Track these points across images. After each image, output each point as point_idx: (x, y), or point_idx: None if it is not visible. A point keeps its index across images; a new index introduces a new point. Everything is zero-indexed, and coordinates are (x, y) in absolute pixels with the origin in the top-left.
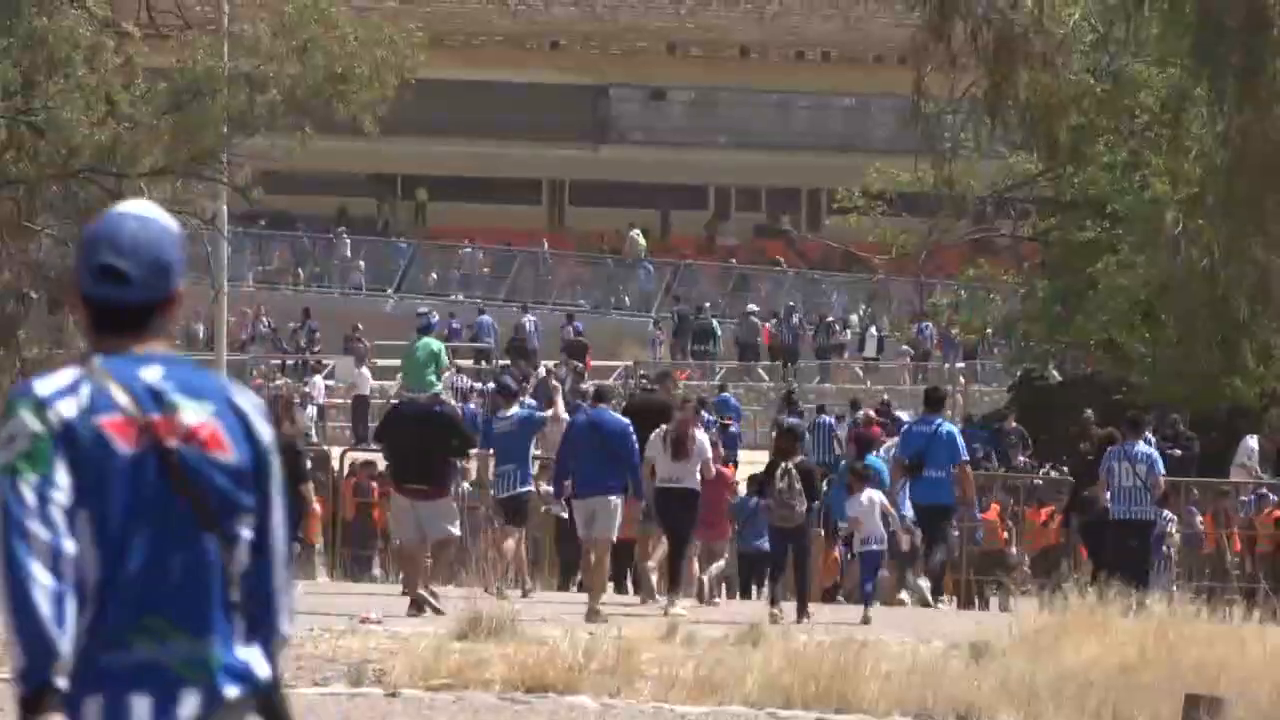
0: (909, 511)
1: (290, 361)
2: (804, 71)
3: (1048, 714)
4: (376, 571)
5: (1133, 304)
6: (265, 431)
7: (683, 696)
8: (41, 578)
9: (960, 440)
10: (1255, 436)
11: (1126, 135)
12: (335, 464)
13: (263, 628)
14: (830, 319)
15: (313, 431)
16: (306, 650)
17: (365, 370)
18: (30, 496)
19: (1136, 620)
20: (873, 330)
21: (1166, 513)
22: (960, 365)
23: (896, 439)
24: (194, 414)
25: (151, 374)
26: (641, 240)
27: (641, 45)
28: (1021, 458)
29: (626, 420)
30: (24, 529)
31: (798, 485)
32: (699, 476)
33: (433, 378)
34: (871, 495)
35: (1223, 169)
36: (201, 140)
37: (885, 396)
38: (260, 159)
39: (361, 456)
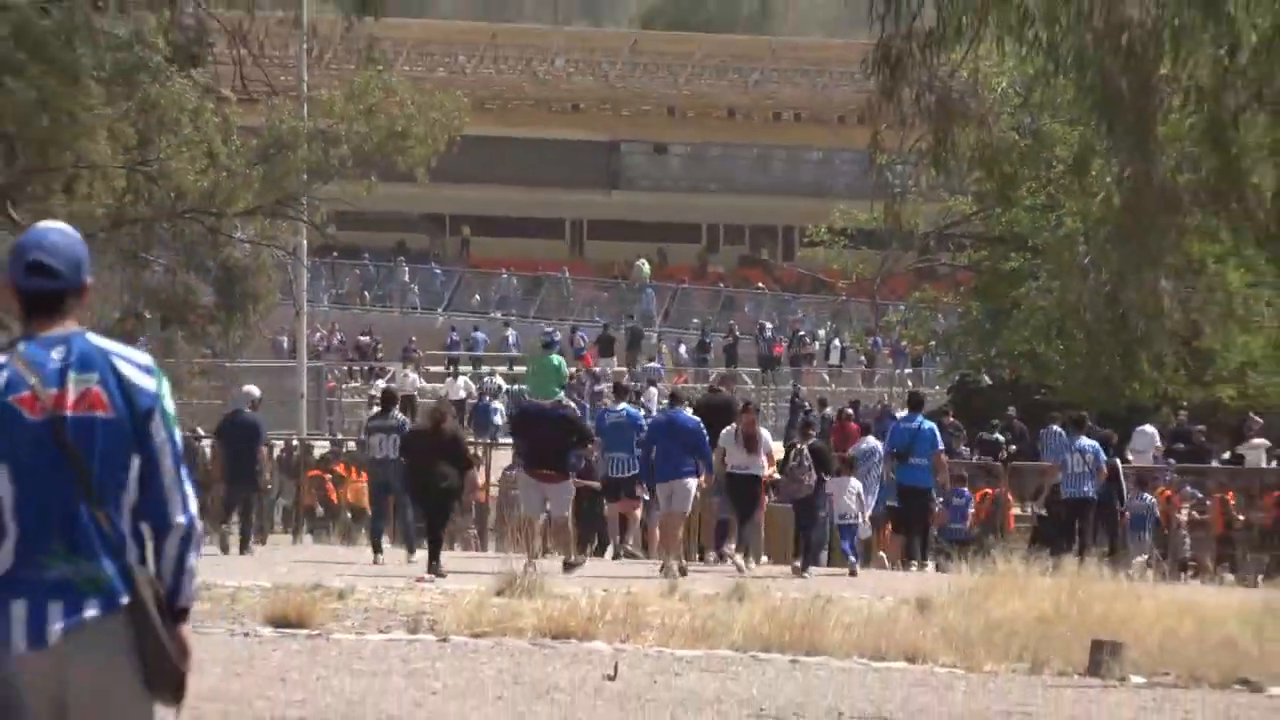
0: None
1: (357, 368)
2: (779, 130)
3: (979, 656)
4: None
5: (1049, 321)
6: (141, 385)
7: (681, 642)
8: None
9: (938, 434)
10: (1151, 426)
11: (1044, 182)
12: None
13: (161, 525)
14: (801, 333)
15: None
16: (373, 604)
17: (416, 374)
18: None
19: (1051, 580)
20: (836, 342)
21: (1146, 495)
22: (908, 371)
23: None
24: (83, 384)
25: (57, 355)
26: (646, 268)
27: (646, 109)
28: (963, 447)
29: (698, 418)
30: None
31: (808, 462)
32: (764, 466)
33: (556, 387)
34: (853, 481)
35: (1120, 209)
36: (285, 186)
37: (853, 398)
38: (333, 201)
39: None
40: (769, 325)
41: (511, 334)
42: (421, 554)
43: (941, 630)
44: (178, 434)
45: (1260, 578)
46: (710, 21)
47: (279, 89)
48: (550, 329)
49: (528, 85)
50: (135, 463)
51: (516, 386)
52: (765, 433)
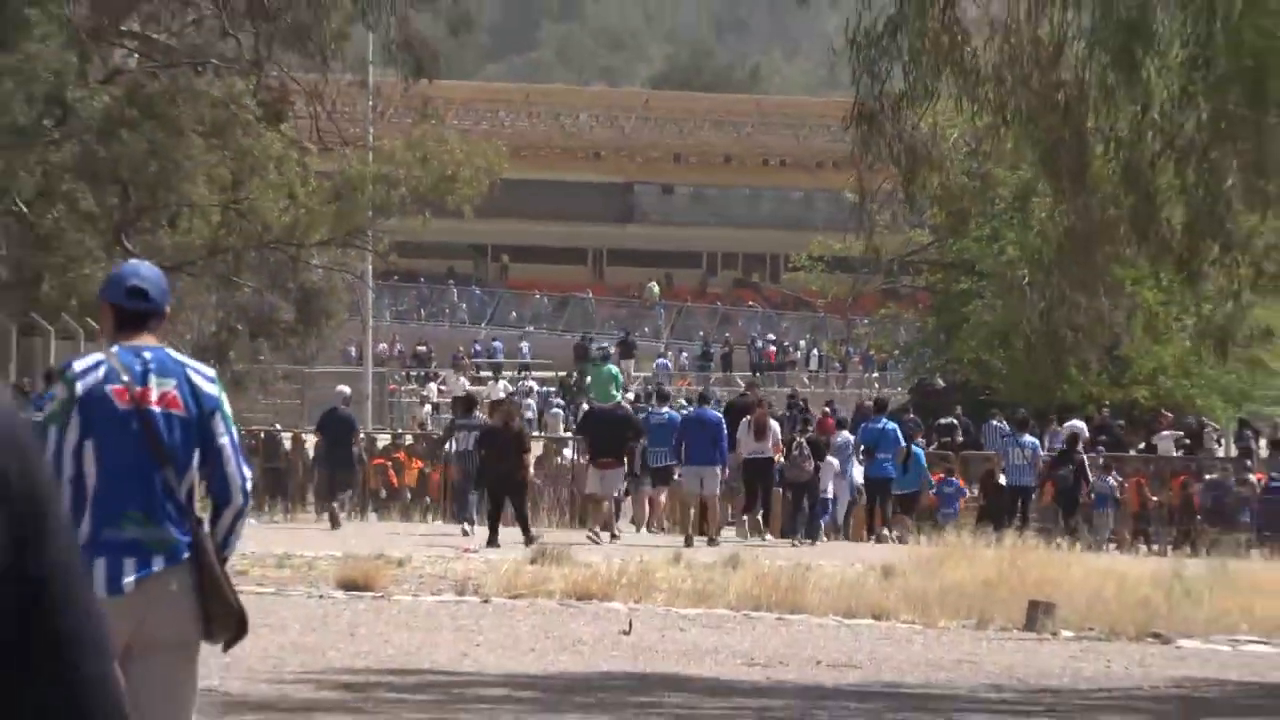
0: (859, 480)
1: (414, 373)
2: (767, 173)
3: (934, 614)
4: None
5: (993, 334)
6: (207, 391)
7: (684, 603)
8: None
9: (900, 432)
10: (1079, 421)
11: (990, 217)
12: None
13: (222, 501)
14: (785, 343)
15: (428, 421)
16: (426, 570)
17: (464, 379)
18: (51, 441)
19: (994, 551)
20: (815, 351)
21: (1110, 479)
22: (875, 375)
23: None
24: (163, 386)
25: (141, 361)
26: (656, 289)
27: (655, 155)
28: (920, 439)
29: (719, 415)
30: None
31: (807, 452)
32: (772, 450)
33: (615, 391)
34: (834, 463)
35: (1055, 240)
36: (354, 221)
37: (829, 398)
38: (394, 233)
39: None
40: (759, 338)
41: (525, 345)
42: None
43: (902, 592)
44: (234, 430)
45: (1169, 548)
46: (710, 83)
47: (348, 140)
48: (604, 344)
49: (556, 136)
50: (197, 453)
51: (544, 388)
52: (774, 424)
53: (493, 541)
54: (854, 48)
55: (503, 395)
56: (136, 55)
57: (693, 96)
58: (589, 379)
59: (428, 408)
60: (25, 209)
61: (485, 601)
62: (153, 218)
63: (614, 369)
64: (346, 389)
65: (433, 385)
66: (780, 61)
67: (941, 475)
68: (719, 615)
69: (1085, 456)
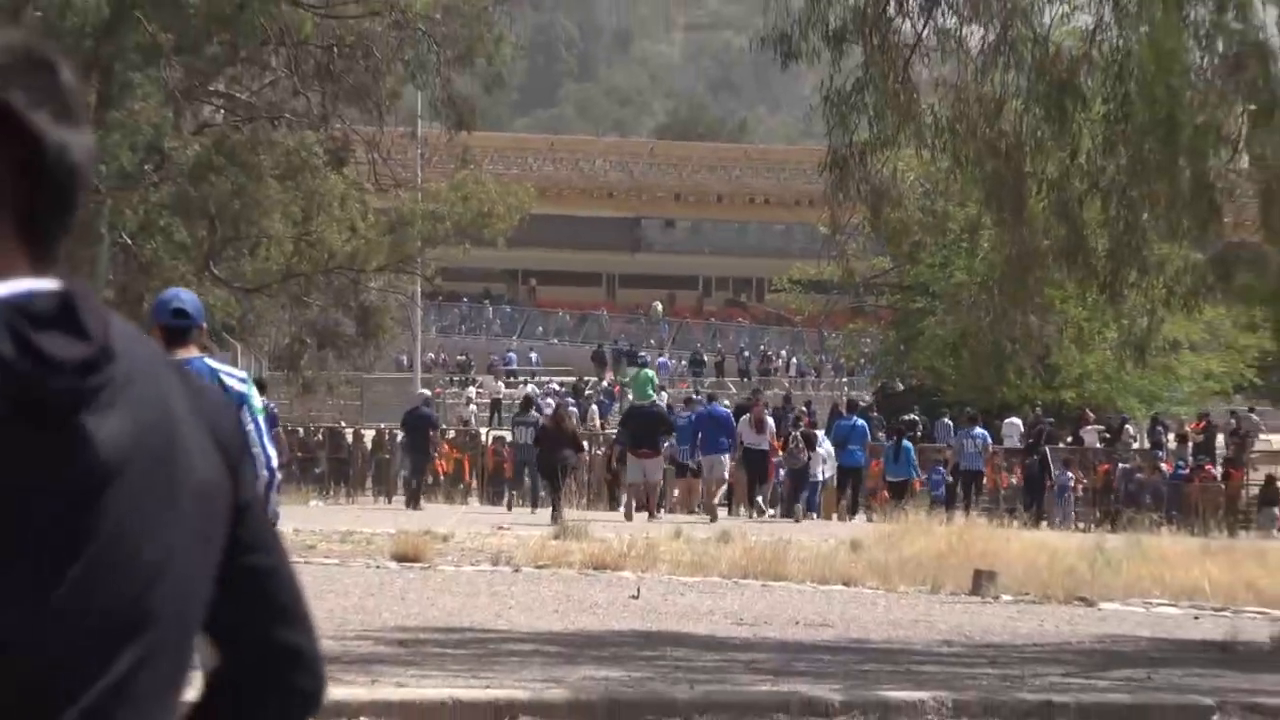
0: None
1: (455, 378)
2: (753, 210)
3: (895, 581)
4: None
5: (944, 345)
6: (236, 388)
7: (684, 572)
8: None
9: (867, 429)
10: (1016, 418)
11: (942, 246)
12: (482, 438)
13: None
14: (769, 353)
15: (473, 420)
16: (466, 544)
17: (500, 383)
18: None
19: (945, 527)
20: (794, 360)
21: (1068, 472)
22: (845, 380)
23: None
24: None
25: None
26: (659, 308)
27: (659, 195)
28: (880, 433)
29: (728, 410)
30: None
31: (801, 444)
32: (768, 442)
33: (651, 392)
34: (820, 452)
35: (997, 266)
36: (405, 250)
37: (806, 399)
38: (439, 260)
39: (495, 433)
40: (746, 349)
41: (534, 355)
42: (541, 511)
43: (868, 563)
44: (260, 419)
45: (1093, 525)
46: (705, 134)
47: (400, 182)
48: (643, 354)
49: (575, 179)
50: None
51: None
52: (771, 421)
53: (556, 518)
54: (827, 104)
55: (532, 395)
56: (222, 111)
57: (690, 145)
58: (630, 381)
59: (472, 407)
60: (130, 241)
61: (516, 571)
62: (236, 248)
63: (651, 373)
64: (427, 392)
65: (470, 389)
66: (764, 115)
67: (931, 465)
68: (713, 582)
69: (1048, 450)
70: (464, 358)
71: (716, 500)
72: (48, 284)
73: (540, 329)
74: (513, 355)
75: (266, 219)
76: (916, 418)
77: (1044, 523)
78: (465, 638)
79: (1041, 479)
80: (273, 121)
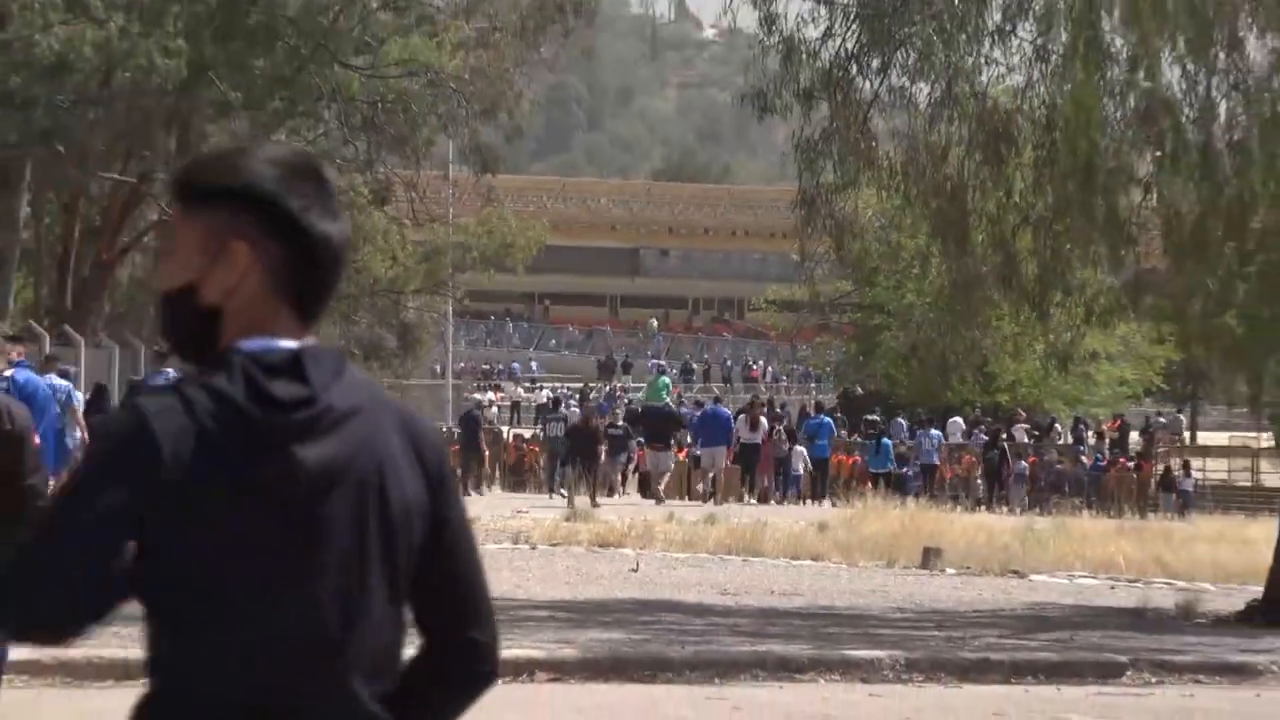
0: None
1: (481, 384)
2: (735, 241)
3: (856, 557)
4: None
5: (897, 356)
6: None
7: (676, 549)
8: None
9: (833, 426)
10: (959, 417)
11: (895, 271)
12: (504, 435)
13: None
14: (750, 363)
15: (495, 421)
16: (490, 525)
17: (520, 389)
18: None
19: (899, 510)
20: (769, 369)
21: (1023, 463)
22: (814, 385)
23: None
24: None
25: None
26: (655, 325)
27: (655, 228)
28: (842, 430)
29: (729, 411)
30: None
31: (784, 438)
32: (760, 439)
33: (665, 395)
34: (799, 449)
35: (944, 289)
36: (439, 275)
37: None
38: (467, 284)
39: (515, 431)
40: (729, 359)
41: (534, 364)
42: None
43: (833, 541)
44: None
45: (1021, 509)
46: (693, 176)
47: (435, 217)
48: (662, 363)
49: (583, 214)
50: None
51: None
52: (764, 420)
53: (594, 503)
54: (797, 151)
55: (546, 398)
56: None
57: (681, 186)
58: (647, 386)
59: (494, 409)
60: None
61: (533, 548)
62: None
63: (667, 380)
64: (479, 396)
65: (490, 394)
66: (744, 161)
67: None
68: (701, 558)
69: (1007, 445)
70: (488, 366)
71: (722, 488)
72: (288, 341)
73: (553, 342)
74: (516, 365)
75: None
76: (877, 418)
77: (1004, 507)
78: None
79: (1000, 469)
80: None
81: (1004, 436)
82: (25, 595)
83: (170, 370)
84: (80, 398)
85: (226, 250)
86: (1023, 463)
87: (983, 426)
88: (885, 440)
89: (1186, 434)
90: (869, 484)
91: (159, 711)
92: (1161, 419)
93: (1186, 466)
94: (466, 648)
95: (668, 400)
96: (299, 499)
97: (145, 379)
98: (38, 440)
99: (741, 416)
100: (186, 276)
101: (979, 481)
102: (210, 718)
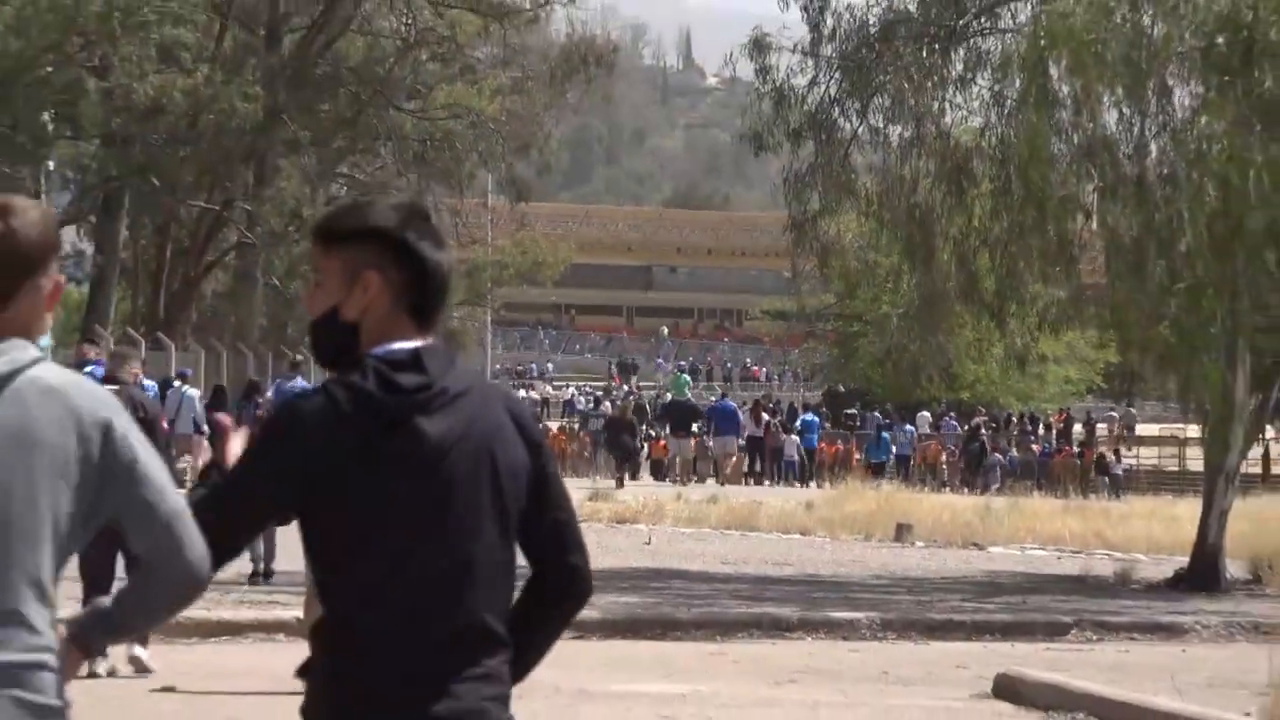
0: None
1: (516, 384)
2: (735, 260)
3: (838, 531)
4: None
5: (874, 359)
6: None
7: (684, 524)
8: None
9: (818, 421)
10: (926, 411)
11: (872, 286)
12: None
13: None
14: (747, 364)
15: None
16: None
17: (549, 386)
18: None
19: (875, 491)
20: (763, 369)
21: (997, 454)
22: (802, 385)
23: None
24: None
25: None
26: (665, 332)
27: (666, 249)
28: (825, 423)
29: (734, 405)
30: None
31: (780, 429)
32: (763, 432)
33: (686, 391)
34: (793, 439)
35: (914, 301)
36: (479, 289)
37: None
38: (503, 297)
39: (544, 424)
40: (728, 361)
41: (550, 365)
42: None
43: (819, 518)
44: None
45: (998, 492)
46: (699, 204)
47: (476, 239)
48: (684, 363)
49: (604, 237)
50: None
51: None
52: (765, 415)
53: (620, 484)
54: (787, 183)
55: (571, 394)
56: (345, 188)
57: (688, 213)
58: (670, 383)
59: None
60: (278, 282)
61: None
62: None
63: (687, 378)
64: (523, 394)
65: (522, 391)
66: (742, 191)
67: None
68: (705, 532)
69: (986, 437)
70: (521, 368)
71: (730, 471)
72: (413, 343)
73: (577, 347)
74: (534, 366)
75: None
76: (855, 412)
77: (984, 490)
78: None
79: (980, 458)
80: (382, 195)
81: (984, 431)
82: (205, 536)
83: (300, 378)
84: (196, 394)
85: (361, 278)
86: (998, 455)
87: (951, 415)
88: (884, 435)
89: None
90: (869, 472)
91: (330, 632)
92: (1114, 413)
93: (1116, 454)
94: (568, 571)
95: (688, 395)
96: (424, 462)
97: (278, 381)
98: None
99: (746, 411)
100: (331, 302)
101: (943, 467)
102: (363, 636)
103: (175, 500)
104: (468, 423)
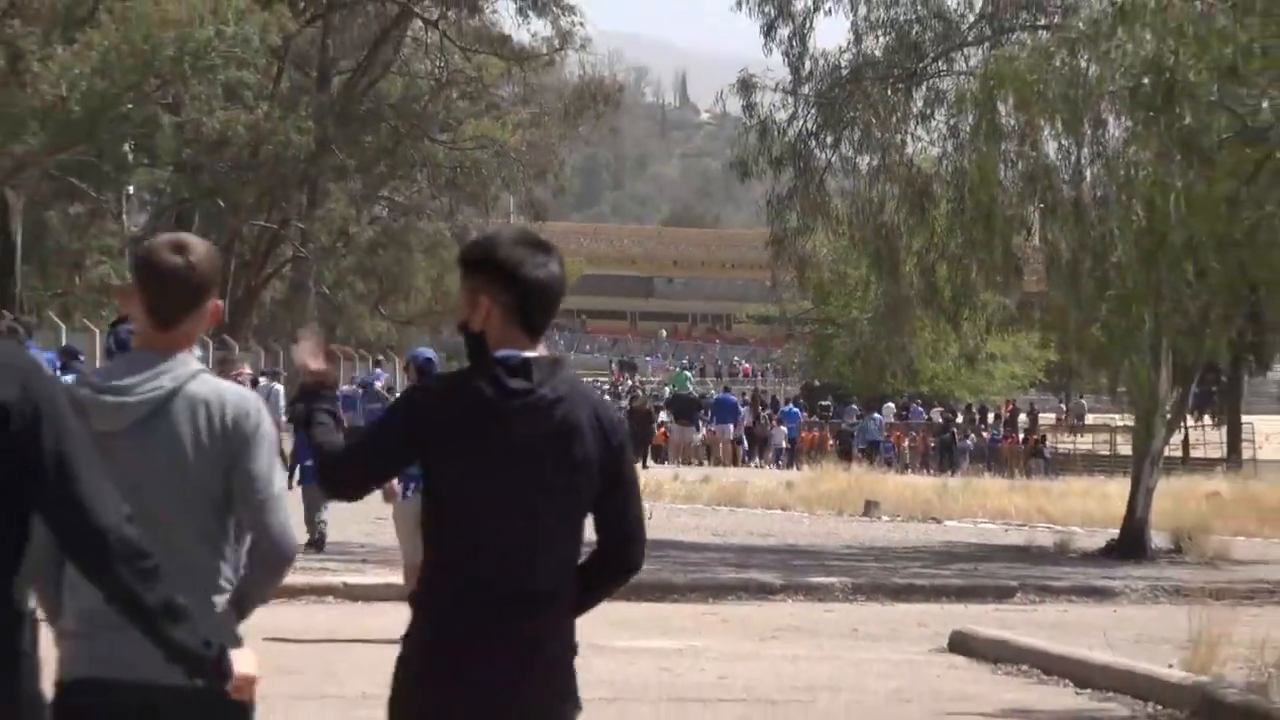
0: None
1: None
2: (725, 272)
3: (814, 507)
4: None
5: (846, 357)
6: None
7: (680, 501)
8: None
9: (798, 412)
10: (890, 403)
11: (844, 293)
12: None
13: None
14: (737, 362)
15: None
16: None
17: None
18: None
19: (847, 472)
20: (749, 365)
21: (968, 441)
22: (783, 380)
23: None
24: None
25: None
26: (664, 334)
27: (664, 262)
28: (804, 415)
29: (735, 397)
30: None
31: (769, 419)
32: (753, 420)
33: (689, 385)
34: (782, 429)
35: (880, 307)
36: None
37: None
38: None
39: None
40: (719, 359)
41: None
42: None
43: (797, 495)
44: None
45: (935, 471)
46: (694, 224)
47: None
48: (686, 359)
49: (611, 252)
50: None
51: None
52: (761, 408)
53: (644, 466)
54: (770, 205)
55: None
56: (386, 209)
57: (684, 230)
58: (673, 378)
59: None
60: (328, 291)
61: None
62: (393, 295)
63: (688, 374)
64: None
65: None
66: (731, 211)
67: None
68: (698, 508)
69: (955, 428)
70: None
71: (730, 456)
72: (524, 352)
73: (587, 347)
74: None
75: (414, 278)
76: (829, 404)
77: (954, 472)
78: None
79: (951, 444)
80: (418, 216)
81: (955, 422)
82: (344, 468)
83: (380, 371)
84: (282, 390)
85: (479, 301)
86: (967, 442)
87: (919, 404)
88: (870, 422)
89: (1055, 415)
90: (861, 454)
91: (431, 574)
92: (1064, 405)
93: (1044, 439)
94: (625, 549)
95: (690, 388)
96: (513, 453)
97: (366, 378)
98: None
99: (743, 403)
100: (463, 317)
101: (904, 450)
102: (455, 581)
103: (271, 488)
104: (556, 424)
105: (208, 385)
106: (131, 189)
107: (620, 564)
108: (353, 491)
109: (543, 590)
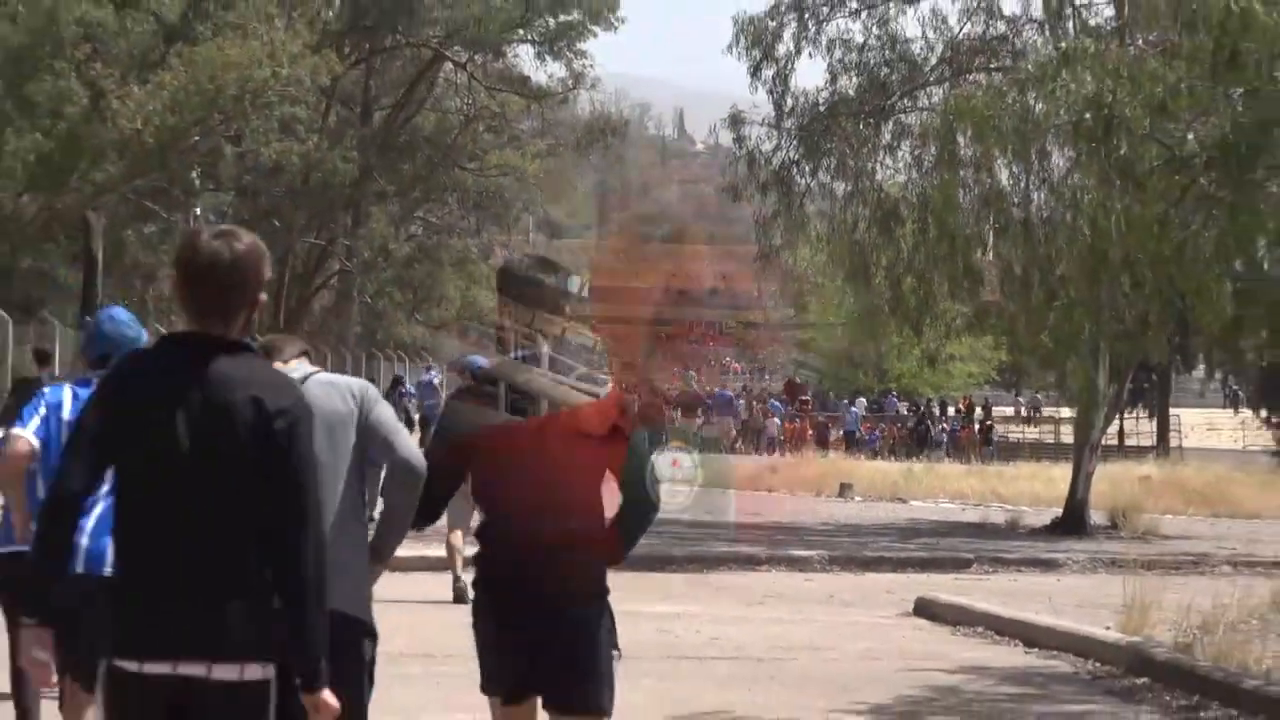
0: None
1: None
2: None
3: (796, 488)
4: None
5: (832, 356)
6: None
7: (677, 483)
8: None
9: (782, 406)
10: (863, 398)
11: (823, 302)
12: None
13: None
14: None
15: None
16: None
17: None
18: None
19: (824, 458)
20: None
21: (944, 428)
22: (769, 377)
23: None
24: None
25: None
26: None
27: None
28: (789, 408)
29: (731, 393)
30: None
31: (760, 412)
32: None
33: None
34: (774, 420)
35: (854, 314)
36: None
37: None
38: None
39: None
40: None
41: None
42: None
43: (781, 478)
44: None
45: (905, 456)
46: (691, 241)
47: None
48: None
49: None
50: None
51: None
52: (755, 402)
53: None
54: (757, 225)
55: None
56: (421, 228)
57: (681, 247)
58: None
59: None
60: (370, 300)
61: None
62: (427, 303)
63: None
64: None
65: None
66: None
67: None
68: (694, 489)
69: (929, 420)
70: None
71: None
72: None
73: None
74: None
75: (445, 288)
76: (808, 399)
77: (918, 459)
78: None
79: (925, 435)
80: (447, 234)
81: (928, 417)
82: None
83: (435, 371)
84: None
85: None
86: (944, 428)
87: (895, 396)
88: (854, 411)
89: (1011, 409)
90: (844, 442)
91: (480, 548)
92: (1021, 400)
93: (992, 428)
94: (644, 500)
95: (692, 385)
96: (522, 446)
97: (427, 376)
98: None
99: (739, 398)
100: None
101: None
102: (494, 552)
103: (396, 433)
104: (551, 420)
105: (326, 375)
106: (198, 210)
107: (642, 511)
108: (424, 521)
109: (550, 553)
